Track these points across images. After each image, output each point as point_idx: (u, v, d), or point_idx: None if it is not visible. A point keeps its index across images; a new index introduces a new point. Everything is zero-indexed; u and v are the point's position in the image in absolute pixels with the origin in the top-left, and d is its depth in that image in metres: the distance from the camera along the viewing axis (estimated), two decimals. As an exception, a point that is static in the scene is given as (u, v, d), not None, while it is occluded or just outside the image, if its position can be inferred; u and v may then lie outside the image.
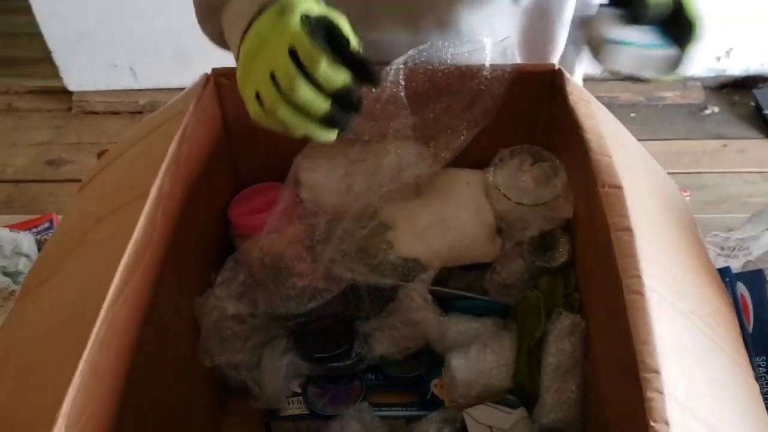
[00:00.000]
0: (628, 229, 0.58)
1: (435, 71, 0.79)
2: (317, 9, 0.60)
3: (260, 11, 0.62)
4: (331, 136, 0.61)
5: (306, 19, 0.58)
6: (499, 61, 0.89)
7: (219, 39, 0.73)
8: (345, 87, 0.58)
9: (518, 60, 0.93)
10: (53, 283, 0.63)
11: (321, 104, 0.58)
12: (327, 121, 0.59)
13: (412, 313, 0.79)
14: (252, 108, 0.61)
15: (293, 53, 0.57)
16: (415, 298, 0.79)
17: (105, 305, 0.55)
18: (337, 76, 0.57)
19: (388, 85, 0.77)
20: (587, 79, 1.06)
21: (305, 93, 0.57)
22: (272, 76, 0.58)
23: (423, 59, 0.79)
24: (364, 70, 0.59)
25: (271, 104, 0.59)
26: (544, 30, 0.93)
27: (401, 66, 0.77)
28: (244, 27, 0.63)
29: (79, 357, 0.51)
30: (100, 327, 0.53)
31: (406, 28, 0.86)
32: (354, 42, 0.60)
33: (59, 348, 0.53)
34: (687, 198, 1.13)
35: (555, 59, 0.97)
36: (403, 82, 0.77)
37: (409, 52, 0.78)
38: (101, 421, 0.54)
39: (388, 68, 0.77)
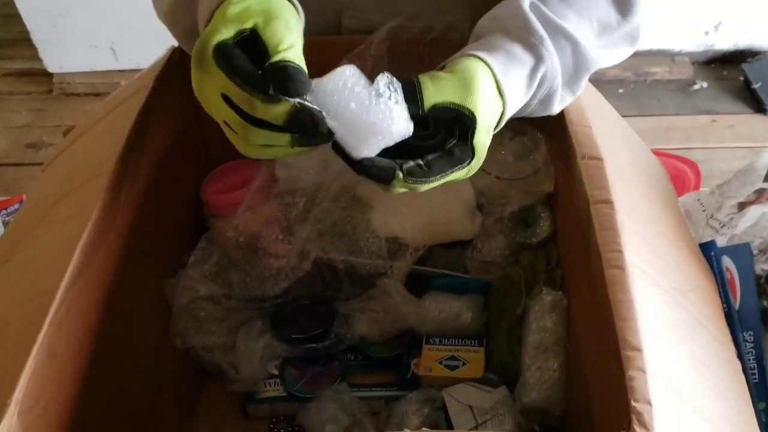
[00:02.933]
0: (609, 202, 0.56)
1: (418, 43, 0.76)
2: (231, 27, 0.54)
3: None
4: (316, 148, 0.55)
5: (221, 54, 0.52)
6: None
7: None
8: (291, 115, 0.51)
9: None
10: (12, 265, 0.61)
11: (281, 139, 0.53)
12: (300, 144, 0.54)
13: (392, 307, 0.77)
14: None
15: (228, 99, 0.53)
16: (393, 296, 0.77)
17: (63, 286, 0.52)
18: (278, 111, 0.51)
19: (370, 58, 0.74)
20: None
21: (260, 137, 0.53)
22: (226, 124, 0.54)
23: (404, 32, 0.76)
24: (280, 83, 0.51)
25: (245, 151, 0.55)
26: None
27: (384, 37, 0.74)
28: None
29: (34, 340, 0.49)
30: (57, 309, 0.51)
31: None
32: (283, 51, 0.53)
33: (14, 331, 0.51)
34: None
35: None
36: (385, 57, 0.74)
37: (390, 24, 0.75)
38: (62, 405, 0.52)
39: (369, 40, 0.74)
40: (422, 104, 0.53)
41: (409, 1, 0.81)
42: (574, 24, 0.63)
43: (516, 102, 0.60)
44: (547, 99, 0.64)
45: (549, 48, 0.60)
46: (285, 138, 0.53)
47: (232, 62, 0.52)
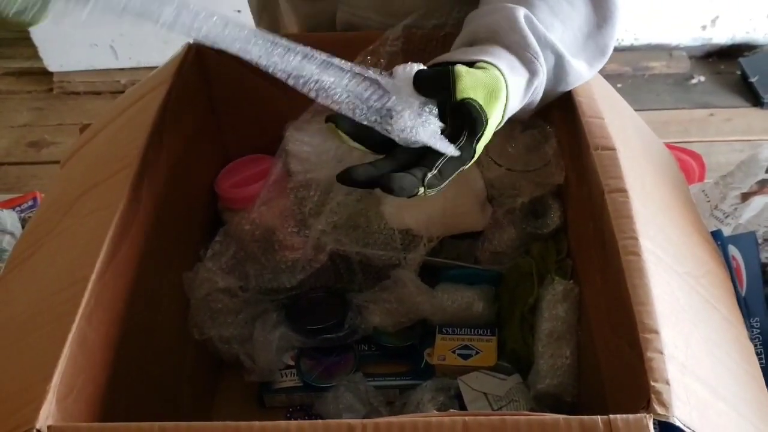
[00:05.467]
0: (623, 191, 0.57)
1: (431, 39, 0.77)
2: None
3: None
4: None
5: None
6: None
7: None
8: None
9: None
10: (38, 257, 0.62)
11: None
12: None
13: (406, 297, 0.79)
14: None
15: None
16: (408, 286, 0.78)
17: (93, 277, 0.54)
18: None
19: (386, 54, 0.75)
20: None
21: None
22: None
23: (418, 28, 0.77)
24: None
25: None
26: None
27: (399, 34, 0.76)
28: None
29: (68, 330, 0.50)
30: (88, 299, 0.53)
31: None
32: None
33: (47, 321, 0.53)
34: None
35: None
36: (400, 53, 0.75)
37: (405, 21, 0.77)
38: (92, 393, 0.53)
39: (384, 37, 0.76)
40: (454, 94, 0.55)
41: None
42: (559, 34, 0.66)
43: (511, 111, 0.62)
44: (526, 108, 0.67)
45: (542, 63, 0.64)
46: None
47: None
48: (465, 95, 0.56)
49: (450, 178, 0.57)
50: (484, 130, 0.58)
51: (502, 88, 0.59)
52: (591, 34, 0.68)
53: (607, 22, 0.68)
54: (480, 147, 0.58)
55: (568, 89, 0.70)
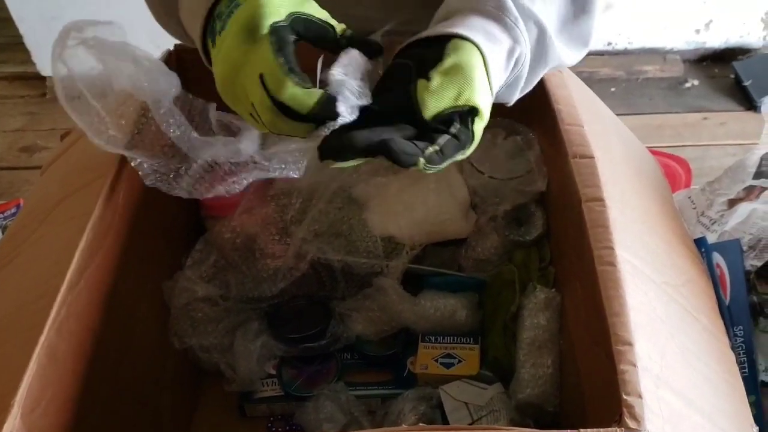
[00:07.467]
0: (600, 200, 0.57)
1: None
2: (285, 7, 0.56)
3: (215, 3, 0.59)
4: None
5: (273, 33, 0.54)
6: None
7: (184, 36, 0.71)
8: (320, 104, 0.53)
9: None
10: (14, 266, 0.61)
11: (301, 131, 0.55)
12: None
13: (388, 305, 0.78)
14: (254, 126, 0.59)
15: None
16: (390, 294, 0.78)
17: (63, 288, 0.53)
18: (307, 97, 0.53)
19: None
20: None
21: (282, 125, 0.55)
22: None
23: (399, 35, 0.77)
24: (361, 46, 0.58)
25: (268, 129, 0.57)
26: None
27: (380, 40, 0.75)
28: (204, 14, 0.59)
29: (36, 342, 0.49)
30: (58, 311, 0.52)
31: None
32: (336, 26, 0.58)
33: (16, 333, 0.52)
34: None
35: None
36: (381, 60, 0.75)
37: (385, 27, 0.76)
38: (62, 406, 0.53)
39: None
40: (423, 116, 0.54)
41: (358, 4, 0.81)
42: (539, 8, 0.62)
43: (497, 84, 0.59)
44: (513, 84, 0.63)
45: (523, 30, 0.60)
46: (306, 129, 0.55)
47: (285, 43, 0.54)
48: (433, 114, 0.54)
49: (450, 160, 0.54)
50: (473, 115, 0.55)
51: (473, 69, 0.55)
52: (568, 22, 0.65)
53: (585, 13, 0.66)
54: (478, 129, 0.56)
55: (546, 70, 0.66)
